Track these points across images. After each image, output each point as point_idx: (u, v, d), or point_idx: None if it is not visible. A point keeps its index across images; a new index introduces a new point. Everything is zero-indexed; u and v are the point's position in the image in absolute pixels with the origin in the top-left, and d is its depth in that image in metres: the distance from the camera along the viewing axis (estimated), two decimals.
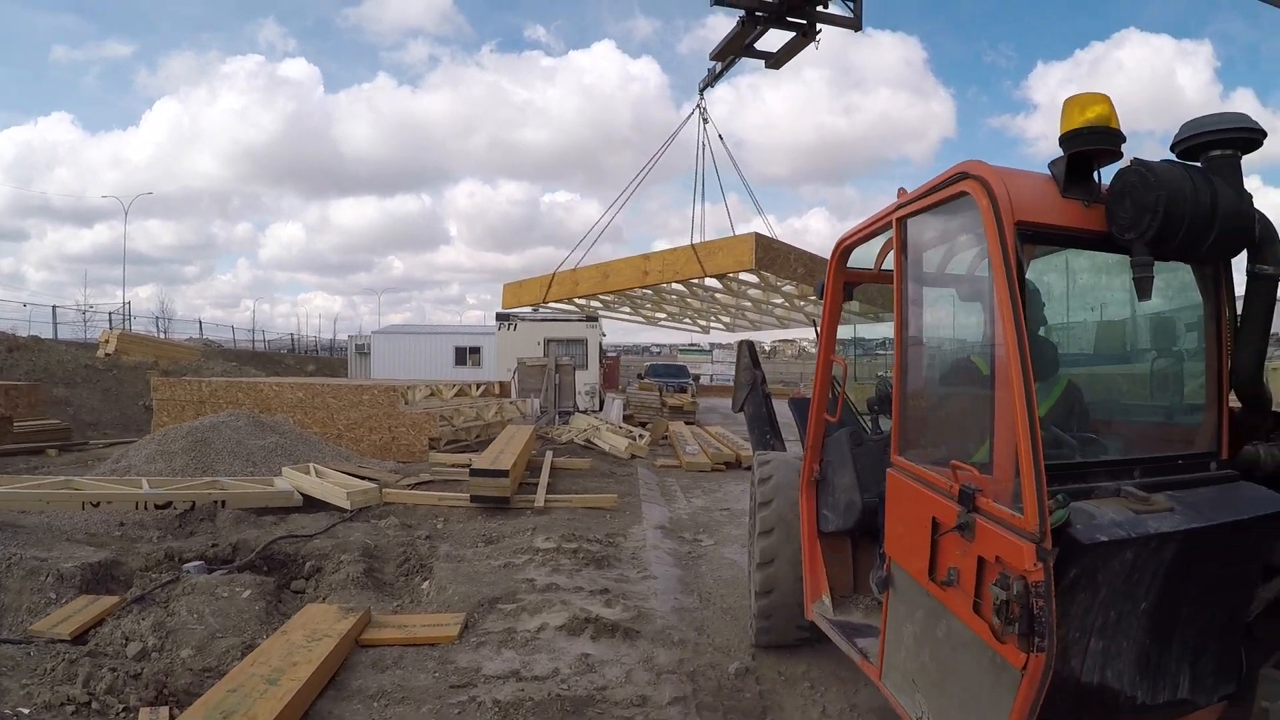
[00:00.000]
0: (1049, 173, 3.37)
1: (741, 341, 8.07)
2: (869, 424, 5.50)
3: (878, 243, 4.66)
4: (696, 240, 10.79)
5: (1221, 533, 3.10)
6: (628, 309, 15.56)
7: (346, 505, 9.30)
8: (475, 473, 9.75)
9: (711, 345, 60.56)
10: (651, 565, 7.87)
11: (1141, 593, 3.04)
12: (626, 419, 22.19)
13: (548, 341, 25.95)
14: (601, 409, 24.47)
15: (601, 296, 13.77)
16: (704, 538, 9.65)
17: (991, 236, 3.07)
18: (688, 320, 15.82)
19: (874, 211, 4.47)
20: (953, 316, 4.23)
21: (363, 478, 11.25)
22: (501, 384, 22.22)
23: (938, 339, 4.19)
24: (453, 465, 13.20)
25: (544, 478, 11.47)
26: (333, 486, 9.63)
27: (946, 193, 3.42)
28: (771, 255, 9.76)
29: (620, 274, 11.76)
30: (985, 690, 3.03)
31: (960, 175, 3.31)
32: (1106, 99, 3.16)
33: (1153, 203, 3.05)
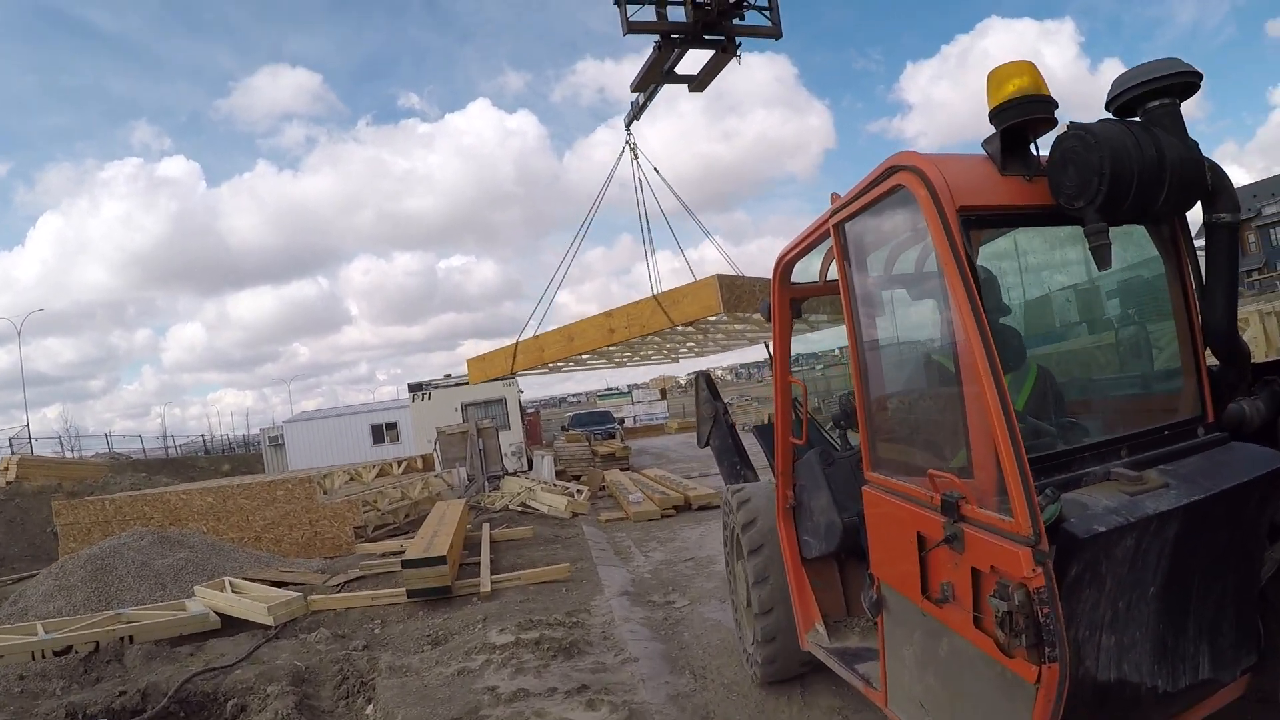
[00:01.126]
0: (984, 153, 3.25)
1: (697, 374, 7.96)
2: (837, 441, 5.41)
3: (818, 255, 4.65)
4: (658, 290, 10.15)
5: (1222, 500, 3.02)
6: (602, 359, 14.32)
7: (269, 621, 8.12)
8: (408, 564, 8.61)
9: (629, 386, 60.00)
10: (628, 644, 6.86)
11: (1148, 577, 2.94)
12: (559, 475, 21.15)
13: (465, 406, 24.88)
14: (531, 468, 23.44)
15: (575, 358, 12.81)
16: (676, 598, 8.68)
17: (935, 227, 2.96)
18: (658, 357, 14.94)
19: (781, 229, 4.51)
20: (907, 318, 4.09)
21: (286, 584, 10.08)
22: (424, 457, 21.06)
23: (895, 344, 4.07)
24: (383, 555, 12.04)
25: (485, 555, 10.37)
26: (251, 602, 8.43)
27: (881, 189, 3.30)
28: (737, 294, 9.24)
29: (585, 336, 11.22)
30: (999, 708, 2.90)
31: (892, 169, 3.18)
32: (1031, 65, 3.04)
33: (1097, 165, 2.95)
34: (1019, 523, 2.64)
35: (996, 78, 3.07)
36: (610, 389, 65.44)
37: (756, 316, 11.73)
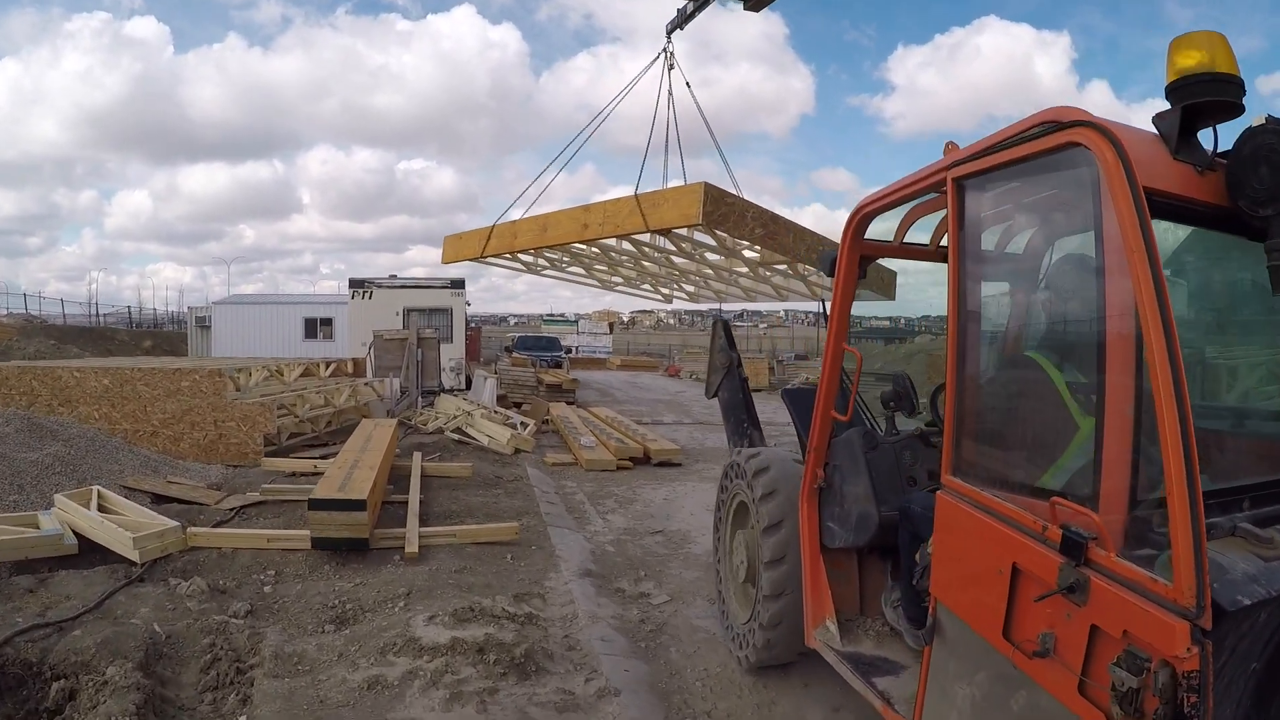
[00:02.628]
0: (1153, 130, 2.73)
1: (715, 320, 7.63)
2: (883, 424, 4.85)
3: (897, 213, 4.27)
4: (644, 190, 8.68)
5: None
6: (580, 270, 13.17)
7: (134, 556, 6.28)
8: (317, 505, 6.79)
9: (577, 316, 57.86)
10: (600, 661, 5.20)
11: (1256, 658, 2.36)
12: (499, 400, 19.38)
13: (408, 311, 22.93)
14: (469, 388, 21.65)
15: (548, 255, 11.63)
16: (651, 589, 7.06)
17: (1122, 202, 2.43)
18: (647, 286, 13.90)
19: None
20: (1041, 302, 3.39)
21: (171, 500, 8.27)
22: (355, 361, 19.10)
23: (1014, 332, 3.44)
24: (292, 474, 10.24)
25: (414, 498, 8.57)
26: (115, 528, 6.54)
27: (1040, 145, 2.76)
28: (724, 211, 7.82)
29: (559, 227, 9.69)
30: None
31: (1063, 124, 2.66)
32: (1223, 39, 2.61)
33: None
34: (1180, 588, 2.20)
35: (1182, 46, 2.65)
36: (555, 315, 63.49)
37: (749, 254, 10.28)
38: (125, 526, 6.59)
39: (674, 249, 10.16)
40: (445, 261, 12.48)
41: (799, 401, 5.59)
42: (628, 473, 12.58)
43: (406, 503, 8.47)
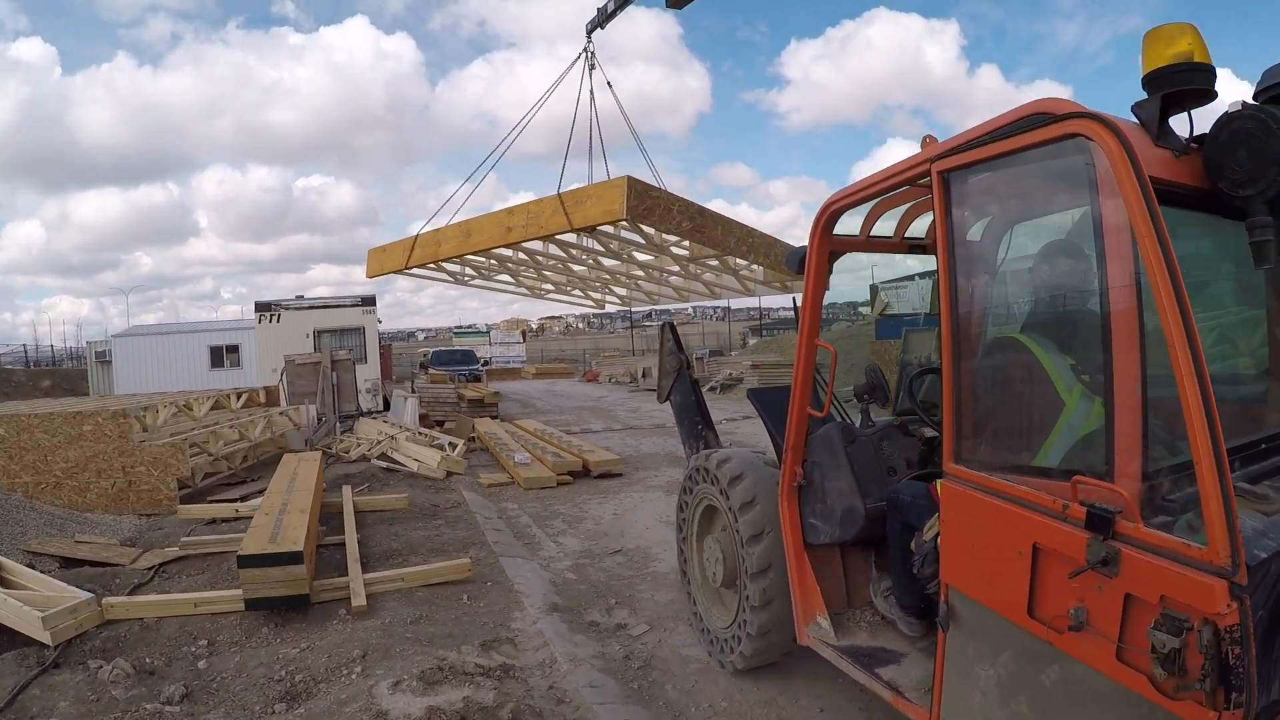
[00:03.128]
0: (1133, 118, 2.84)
1: (664, 323, 7.53)
2: (857, 417, 4.89)
3: (863, 209, 4.47)
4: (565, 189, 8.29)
5: None
6: (507, 278, 12.65)
7: (46, 639, 5.49)
8: (248, 562, 6.03)
9: (488, 326, 56.66)
10: (597, 713, 4.69)
11: (1262, 606, 2.45)
12: (420, 419, 18.57)
13: (319, 333, 21.97)
14: (388, 409, 20.79)
15: (475, 264, 11.17)
16: (626, 617, 6.49)
17: (1129, 190, 2.54)
18: (577, 292, 13.49)
19: None
20: (1036, 285, 3.46)
21: (82, 562, 7.43)
22: (267, 389, 18.14)
23: (1010, 317, 3.59)
24: (212, 521, 9.42)
25: (351, 538, 7.88)
26: (20, 606, 5.69)
27: (1040, 135, 2.83)
28: (649, 205, 7.52)
29: (483, 231, 9.25)
30: None
31: (1061, 115, 2.76)
32: (1194, 29, 2.74)
33: (1277, 152, 2.63)
34: (1215, 550, 2.32)
35: (1158, 38, 2.74)
36: (465, 327, 62.23)
37: (679, 251, 9.96)
38: (32, 603, 5.76)
39: (601, 249, 9.82)
40: (370, 275, 11.85)
41: (768, 401, 5.55)
42: (569, 488, 11.96)
43: (344, 545, 7.80)
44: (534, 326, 63.73)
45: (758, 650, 4.92)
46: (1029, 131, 2.87)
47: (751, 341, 61.16)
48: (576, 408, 25.46)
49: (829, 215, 4.25)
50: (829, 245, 4.35)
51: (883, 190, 3.92)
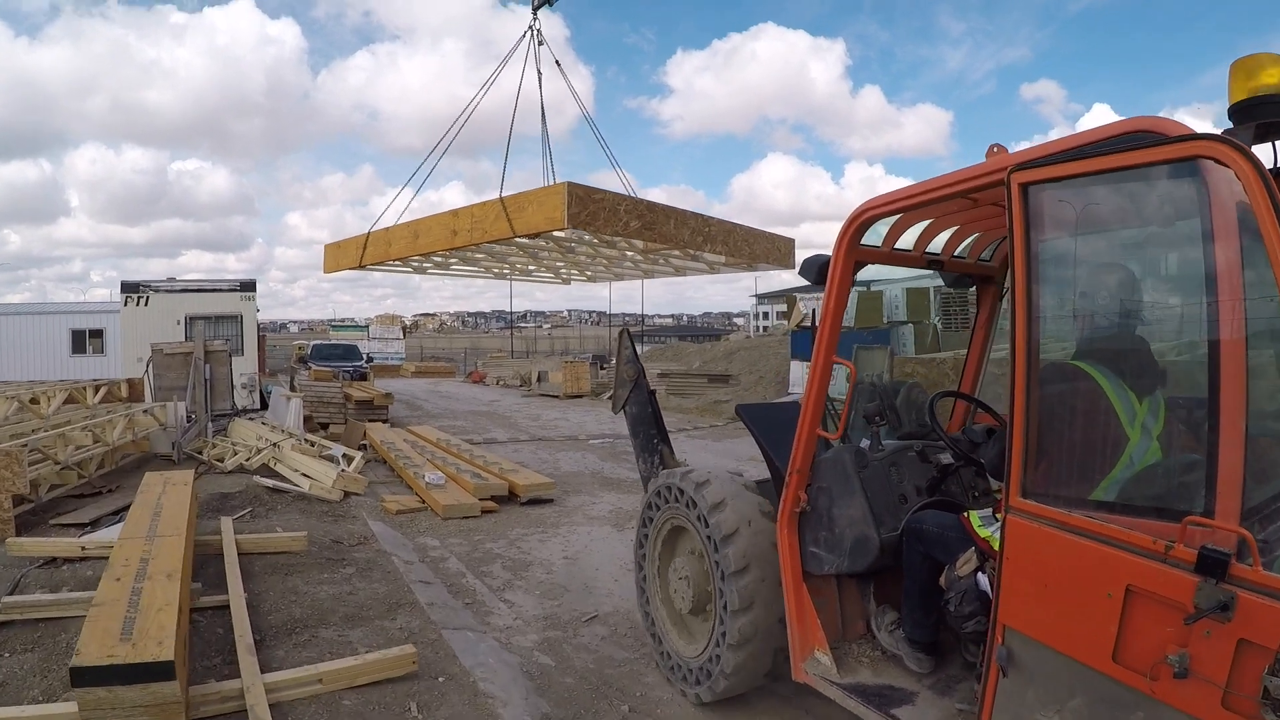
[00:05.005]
0: None
1: (621, 331, 7.50)
2: (868, 440, 4.43)
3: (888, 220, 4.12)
4: (507, 193, 7.35)
5: None
6: (475, 268, 11.18)
7: None
8: (87, 677, 3.65)
9: (367, 321, 53.19)
10: None
11: None
12: (304, 421, 16.01)
13: (191, 319, 19.08)
14: (265, 409, 18.09)
15: (435, 259, 9.83)
16: None
17: (1266, 214, 2.42)
18: (541, 272, 11.84)
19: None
20: (1128, 315, 3.26)
21: None
22: (131, 382, 15.33)
23: (1096, 345, 3.26)
24: (49, 561, 6.89)
25: (237, 602, 5.55)
26: None
27: (1158, 155, 2.67)
28: (592, 209, 6.77)
29: (430, 234, 8.31)
30: None
31: (1179, 137, 2.64)
32: None
33: None
34: None
35: (1248, 68, 2.69)
36: (342, 320, 58.48)
37: (626, 247, 9.09)
38: None
39: (554, 248, 9.01)
40: (327, 271, 10.45)
41: (761, 419, 5.21)
42: (495, 517, 9.76)
43: (226, 608, 5.50)
44: (408, 322, 60.41)
45: (730, 686, 4.60)
46: (1141, 150, 2.71)
47: (636, 348, 59.54)
48: (470, 412, 23.15)
49: (860, 223, 4.00)
50: (855, 255, 4.10)
51: (933, 200, 3.68)
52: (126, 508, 7.44)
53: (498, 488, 10.47)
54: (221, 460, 11.87)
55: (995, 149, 3.38)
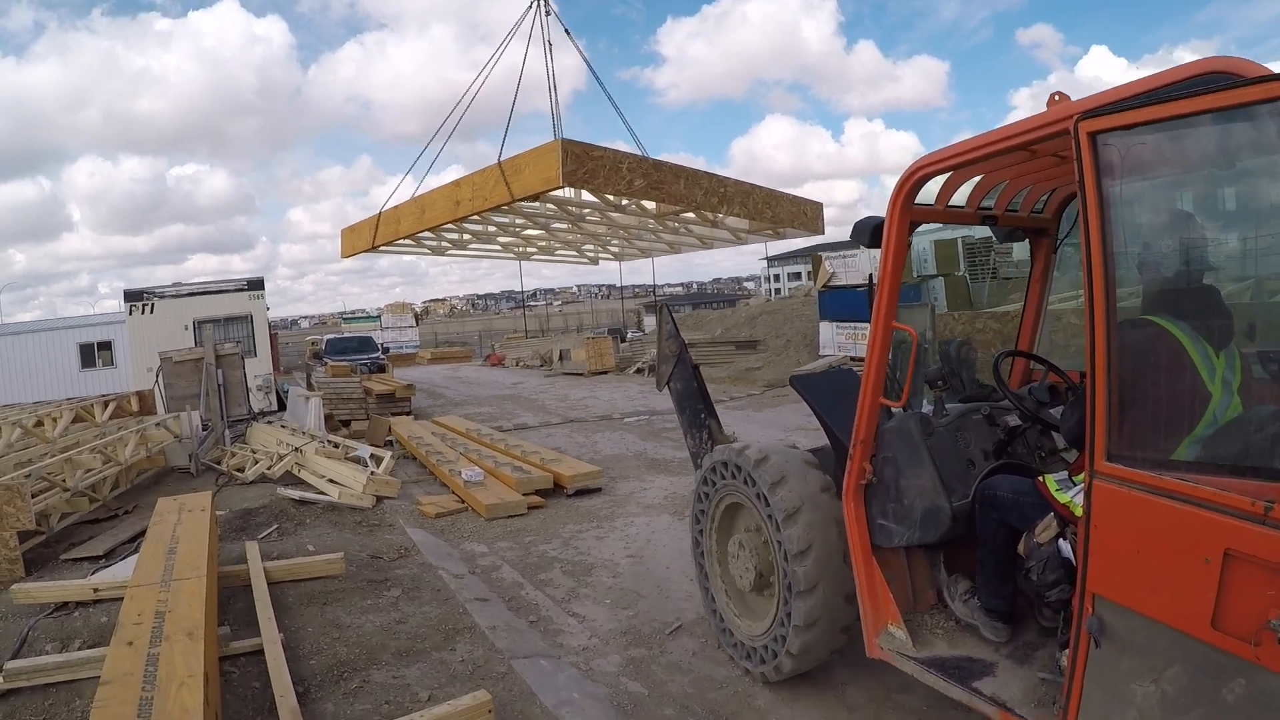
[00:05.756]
0: None
1: (660, 306, 7.55)
2: (928, 406, 4.38)
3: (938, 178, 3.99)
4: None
5: None
6: (496, 247, 10.62)
7: None
8: None
9: (378, 310, 52.22)
10: None
11: None
12: (325, 420, 15.22)
13: (199, 323, 18.28)
14: (283, 410, 17.32)
15: (449, 234, 9.36)
16: None
17: None
18: (568, 251, 11.17)
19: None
20: (1200, 264, 3.16)
21: None
22: (141, 395, 14.56)
23: (1176, 296, 3.14)
24: (63, 606, 6.12)
25: (274, 651, 4.77)
26: None
27: (1236, 97, 2.52)
28: (590, 167, 6.32)
29: (434, 207, 7.88)
30: None
31: (1259, 79, 2.49)
32: None
33: None
34: None
35: None
36: (354, 312, 57.56)
37: (638, 211, 8.50)
38: None
39: (562, 213, 8.43)
40: (344, 256, 9.93)
41: (817, 388, 5.06)
42: (543, 513, 8.96)
43: (260, 655, 4.73)
44: (418, 309, 59.47)
45: (797, 667, 4.52)
46: (1219, 92, 2.55)
47: (648, 319, 58.62)
48: (494, 397, 22.35)
49: (914, 181, 3.83)
50: (910, 215, 3.93)
51: (991, 154, 3.49)
52: (143, 533, 6.66)
53: (542, 480, 9.66)
54: (242, 470, 11.08)
55: (1057, 97, 3.24)
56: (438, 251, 10.08)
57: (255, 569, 6.22)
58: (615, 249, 10.85)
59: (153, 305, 19.10)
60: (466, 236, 9.57)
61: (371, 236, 8.94)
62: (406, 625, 5.56)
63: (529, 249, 10.75)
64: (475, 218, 8.19)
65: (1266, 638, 2.43)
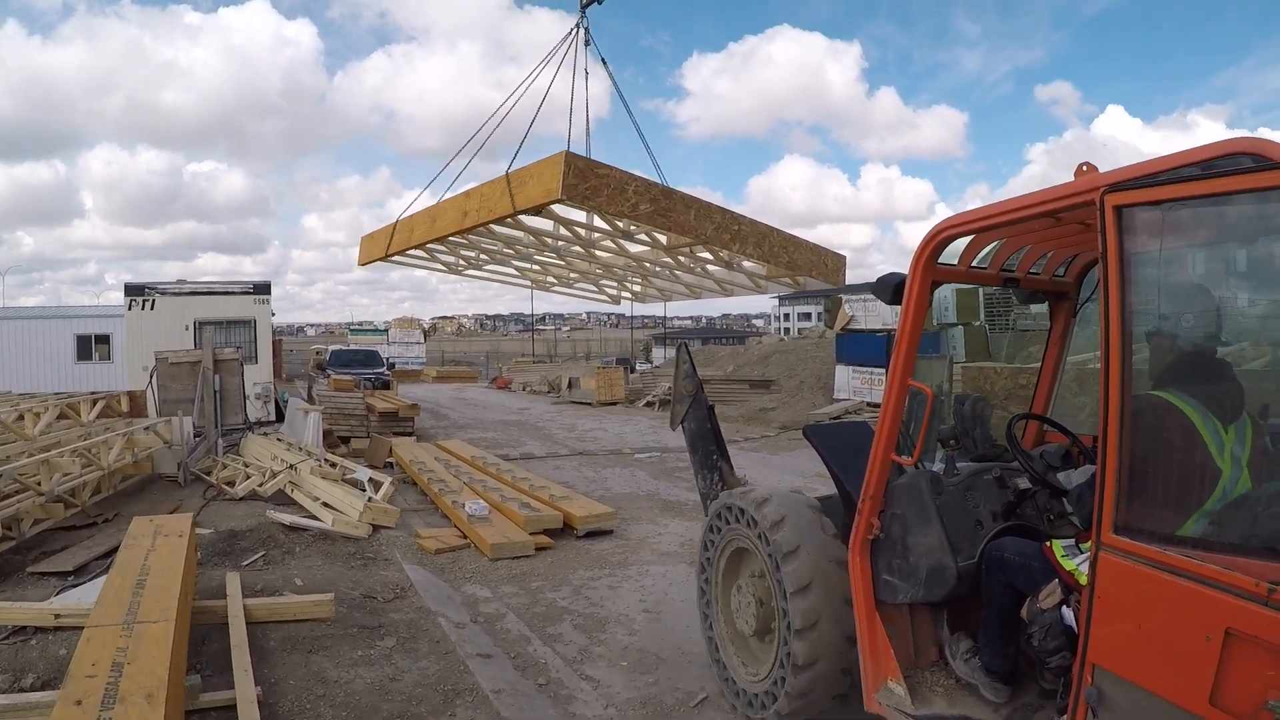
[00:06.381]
0: None
1: (680, 345, 7.72)
2: (943, 464, 4.29)
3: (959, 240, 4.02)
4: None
5: None
6: (513, 271, 10.29)
7: None
8: None
9: (386, 324, 51.61)
10: None
11: None
12: (324, 436, 14.56)
13: (200, 324, 17.64)
14: (281, 421, 16.69)
15: (465, 254, 9.32)
16: None
17: None
18: (588, 286, 10.87)
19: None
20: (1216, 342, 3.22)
21: None
22: (133, 395, 13.95)
23: (1188, 372, 3.17)
24: (20, 630, 5.49)
25: (249, 715, 4.14)
26: None
27: (1268, 180, 2.55)
28: (593, 183, 6.11)
29: (444, 216, 7.77)
30: None
31: None
32: None
33: None
34: None
35: None
36: (360, 324, 56.91)
37: (649, 243, 8.27)
38: None
39: (571, 235, 8.21)
40: (361, 263, 9.73)
41: (831, 440, 5.05)
42: (551, 555, 8.32)
43: (232, 710, 4.11)
44: (426, 325, 58.75)
45: (796, 710, 4.40)
46: (1246, 174, 2.61)
47: (656, 351, 58.09)
48: (500, 422, 21.74)
49: (938, 242, 3.87)
50: (932, 274, 3.94)
51: (1017, 220, 3.54)
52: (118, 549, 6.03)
53: (551, 520, 9.02)
54: (232, 484, 10.46)
55: (1085, 168, 3.28)
56: (453, 269, 9.78)
57: (235, 607, 5.57)
58: (637, 288, 10.58)
59: (154, 301, 18.51)
60: (482, 256, 9.31)
61: (386, 244, 8.66)
62: (401, 684, 4.92)
63: (547, 278, 10.47)
64: (486, 235, 8.07)
65: (1264, 718, 2.45)
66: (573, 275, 9.90)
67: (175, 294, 18.77)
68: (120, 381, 19.34)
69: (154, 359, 13.36)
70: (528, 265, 9.78)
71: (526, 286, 11.21)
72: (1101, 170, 3.19)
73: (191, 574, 5.64)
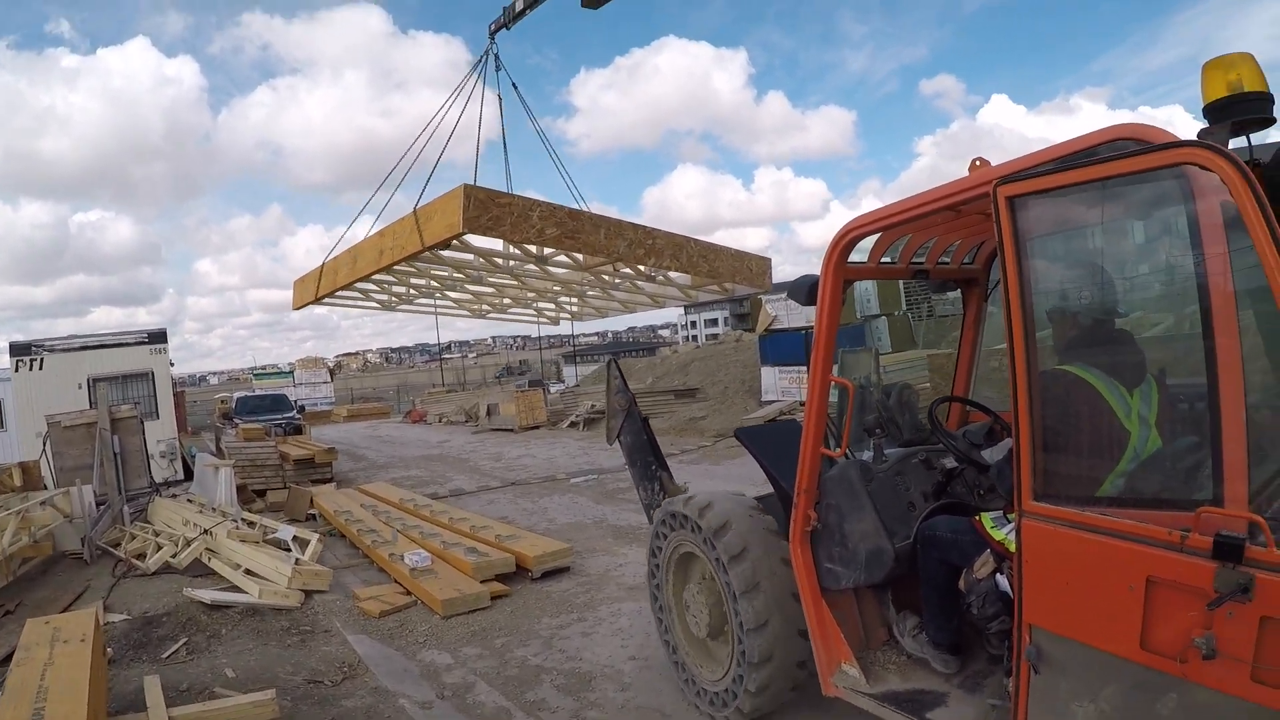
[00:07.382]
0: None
1: (609, 360, 7.69)
2: (868, 453, 4.46)
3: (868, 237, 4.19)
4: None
5: None
6: (448, 303, 10.30)
7: None
8: None
9: (290, 365, 49.63)
10: None
11: None
12: (238, 491, 13.42)
13: (93, 381, 16.29)
14: (192, 481, 15.45)
15: (395, 290, 9.37)
16: None
17: (1255, 217, 2.48)
18: (519, 310, 10.88)
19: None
20: (1110, 315, 3.37)
21: None
22: (26, 467, 12.66)
23: (1084, 345, 3.36)
24: None
25: None
26: None
27: (1143, 163, 2.69)
28: (495, 214, 6.05)
29: (364, 256, 7.70)
30: None
31: (1172, 144, 2.66)
32: (1251, 59, 2.82)
33: None
34: None
35: (1222, 67, 2.83)
36: (264, 367, 54.48)
37: (571, 264, 8.23)
38: None
39: (490, 265, 8.22)
40: (295, 307, 9.52)
41: (762, 440, 5.19)
42: (509, 603, 7.51)
43: None
44: (331, 364, 56.77)
45: (757, 706, 4.51)
46: (1125, 159, 2.74)
47: (568, 370, 57.40)
48: (422, 458, 20.69)
49: (847, 242, 4.02)
50: (844, 274, 4.07)
51: (919, 215, 3.70)
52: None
53: (502, 564, 8.17)
54: (142, 558, 9.37)
55: (978, 162, 3.41)
56: (387, 306, 9.54)
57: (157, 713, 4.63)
58: (574, 309, 10.50)
59: (41, 360, 16.94)
60: (412, 291, 9.15)
61: (315, 288, 8.47)
62: None
63: (483, 306, 10.27)
64: (413, 270, 8.08)
65: (1192, 655, 2.56)
66: (505, 301, 9.69)
67: (65, 350, 17.26)
68: (12, 452, 17.80)
69: (45, 424, 12.13)
70: (462, 295, 9.53)
71: (464, 315, 10.88)
72: (994, 164, 3.31)
73: (101, 687, 4.68)
